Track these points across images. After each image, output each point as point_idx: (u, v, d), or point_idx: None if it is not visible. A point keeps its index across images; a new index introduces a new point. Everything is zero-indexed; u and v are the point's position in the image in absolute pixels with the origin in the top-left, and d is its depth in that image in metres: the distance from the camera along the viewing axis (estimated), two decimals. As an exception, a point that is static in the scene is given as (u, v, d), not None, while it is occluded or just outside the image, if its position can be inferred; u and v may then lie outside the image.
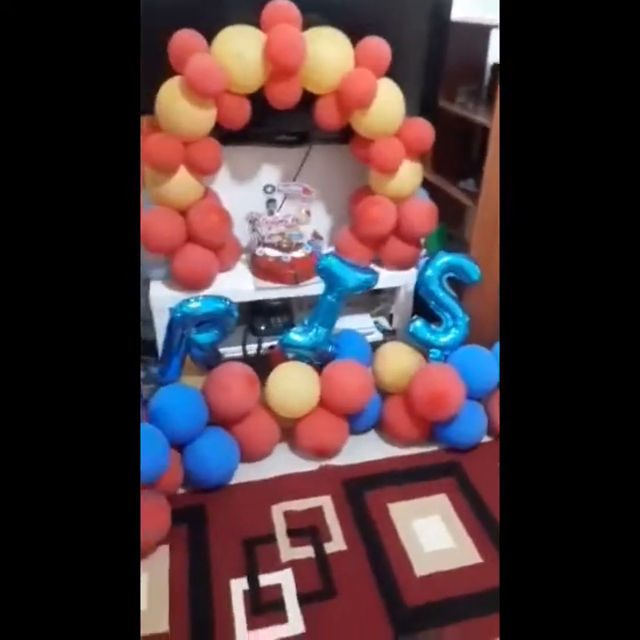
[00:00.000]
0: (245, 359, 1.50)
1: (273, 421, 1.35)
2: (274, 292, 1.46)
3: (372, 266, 1.54)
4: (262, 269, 1.46)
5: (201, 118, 1.22)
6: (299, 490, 1.31)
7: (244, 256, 1.54)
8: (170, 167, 1.25)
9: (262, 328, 1.55)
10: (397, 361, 1.44)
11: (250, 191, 1.53)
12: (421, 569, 1.14)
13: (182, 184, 1.30)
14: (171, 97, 1.19)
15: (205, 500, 1.28)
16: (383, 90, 1.29)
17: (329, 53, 1.23)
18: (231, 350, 1.50)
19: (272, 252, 1.50)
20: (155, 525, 1.11)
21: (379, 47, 1.27)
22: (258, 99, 1.27)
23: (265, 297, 1.47)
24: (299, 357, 1.40)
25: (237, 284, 1.45)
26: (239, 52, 1.17)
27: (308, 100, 1.32)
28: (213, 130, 1.30)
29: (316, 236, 1.52)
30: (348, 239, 1.50)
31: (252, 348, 1.51)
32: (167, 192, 1.29)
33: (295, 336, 1.37)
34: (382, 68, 1.28)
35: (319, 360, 1.40)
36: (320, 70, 1.24)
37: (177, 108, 1.19)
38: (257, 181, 1.55)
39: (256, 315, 1.57)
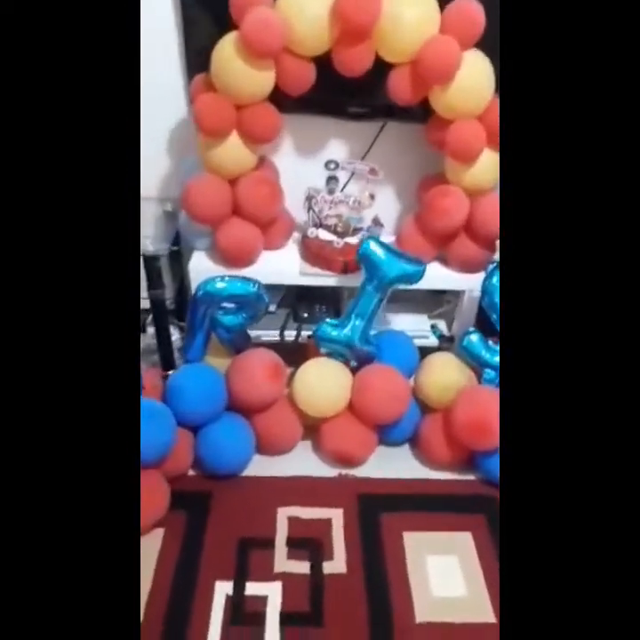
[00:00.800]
0: (282, 345, 1.41)
1: (296, 417, 1.25)
2: (319, 279, 1.34)
3: (436, 263, 1.38)
4: (312, 253, 1.34)
5: (257, 79, 1.11)
6: (311, 496, 1.22)
7: (296, 234, 1.43)
8: (220, 131, 1.16)
9: (305, 315, 1.44)
10: (444, 374, 1.28)
11: (312, 165, 1.40)
12: (423, 615, 1.01)
13: (233, 151, 1.20)
14: (226, 53, 1.08)
15: (213, 487, 1.22)
16: (470, 63, 1.10)
17: (409, 14, 1.06)
18: (268, 334, 1.41)
19: (325, 235, 1.37)
20: (148, 506, 1.07)
21: (471, 12, 1.07)
22: (326, 63, 1.13)
23: (309, 283, 1.35)
24: (334, 354, 1.29)
25: (282, 266, 1.35)
26: (303, 6, 1.03)
27: (385, 68, 1.16)
28: (273, 95, 1.19)
29: (376, 222, 1.37)
30: (412, 230, 1.34)
31: (290, 335, 1.42)
32: (217, 158, 1.20)
33: (329, 329, 1.25)
34: (472, 37, 1.09)
35: (356, 359, 1.28)
36: (396, 34, 1.07)
37: (232, 66, 1.08)
38: (320, 156, 1.42)
39: (301, 300, 1.47)
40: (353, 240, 1.36)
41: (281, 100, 1.22)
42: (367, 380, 1.22)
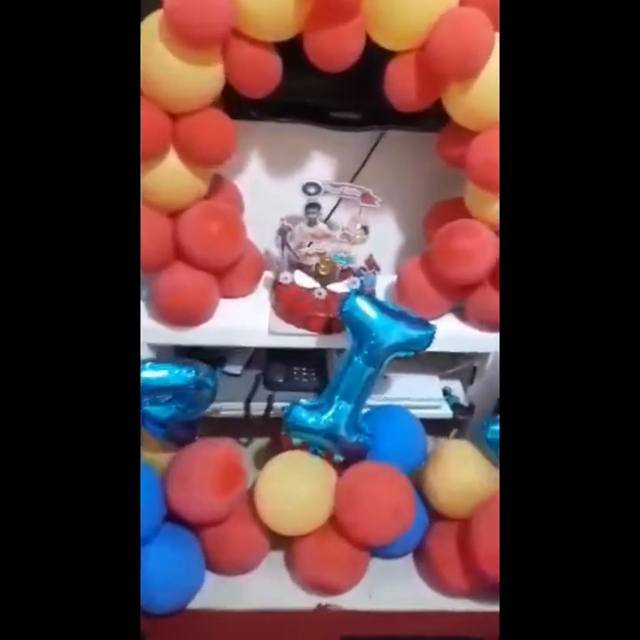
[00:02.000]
0: (247, 421, 1.09)
1: (259, 532, 0.93)
2: (294, 340, 1.01)
3: (450, 316, 1.04)
4: (285, 304, 1.01)
5: (196, 77, 0.78)
6: (280, 637, 0.91)
7: (269, 274, 1.10)
8: (150, 150, 0.83)
9: (279, 380, 1.12)
10: (460, 473, 0.95)
11: (287, 188, 1.07)
12: None
13: (170, 176, 0.87)
14: (151, 42, 0.75)
15: (149, 627, 0.91)
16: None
17: (414, -21, 0.72)
18: (229, 406, 1.09)
19: (303, 280, 1.04)
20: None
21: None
22: (298, 52, 0.80)
23: (280, 345, 1.03)
24: (310, 445, 0.96)
25: (245, 321, 1.02)
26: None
27: (378, 58, 0.83)
28: (227, 98, 0.86)
29: (370, 264, 1.04)
30: (418, 276, 1.00)
31: (259, 408, 1.09)
32: (151, 185, 0.87)
33: (304, 414, 0.93)
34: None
35: (342, 453, 0.96)
36: (397, 7, 0.74)
37: (159, 59, 0.75)
38: (297, 175, 1.09)
39: (274, 359, 1.14)
40: (339, 287, 1.03)
41: (242, 103, 0.89)
42: (356, 490, 0.89)
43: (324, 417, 0.91)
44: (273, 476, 0.91)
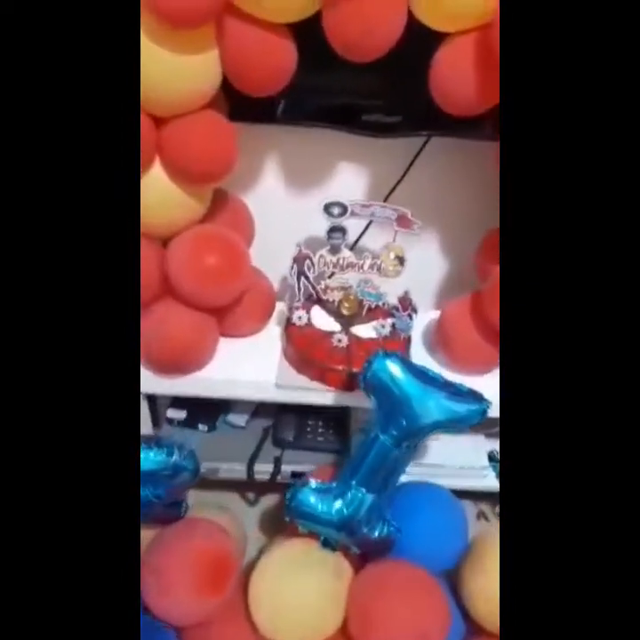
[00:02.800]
0: (251, 485, 0.91)
1: (251, 633, 0.75)
2: (307, 395, 0.82)
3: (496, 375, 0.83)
4: (297, 350, 0.82)
5: (185, 69, 0.60)
6: None
7: (282, 307, 0.92)
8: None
9: (289, 438, 0.93)
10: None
11: (305, 207, 0.88)
12: None
13: (156, 194, 0.69)
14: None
15: None
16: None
17: None
18: (229, 468, 0.91)
19: (322, 320, 0.85)
20: None
21: None
22: (319, 38, 0.61)
23: (290, 400, 0.84)
24: (319, 535, 0.77)
25: (249, 369, 0.83)
26: None
27: (423, 45, 0.63)
28: (230, 96, 0.68)
29: (405, 302, 0.83)
30: (466, 322, 0.79)
31: (264, 470, 0.91)
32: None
33: (312, 497, 0.73)
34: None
35: (358, 545, 0.76)
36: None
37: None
38: (319, 192, 0.90)
39: (285, 410, 0.95)
40: (365, 331, 0.84)
41: (252, 102, 0.71)
42: (373, 607, 0.69)
43: (337, 505, 0.72)
44: (271, 572, 0.72)
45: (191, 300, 0.75)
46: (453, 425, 0.69)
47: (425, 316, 0.90)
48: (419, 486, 0.84)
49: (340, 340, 0.80)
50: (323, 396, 0.81)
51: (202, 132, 0.66)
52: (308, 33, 0.61)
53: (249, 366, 0.84)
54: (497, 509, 1.00)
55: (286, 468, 0.91)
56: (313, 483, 0.74)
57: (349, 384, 0.79)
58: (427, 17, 0.58)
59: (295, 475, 0.90)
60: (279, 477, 0.90)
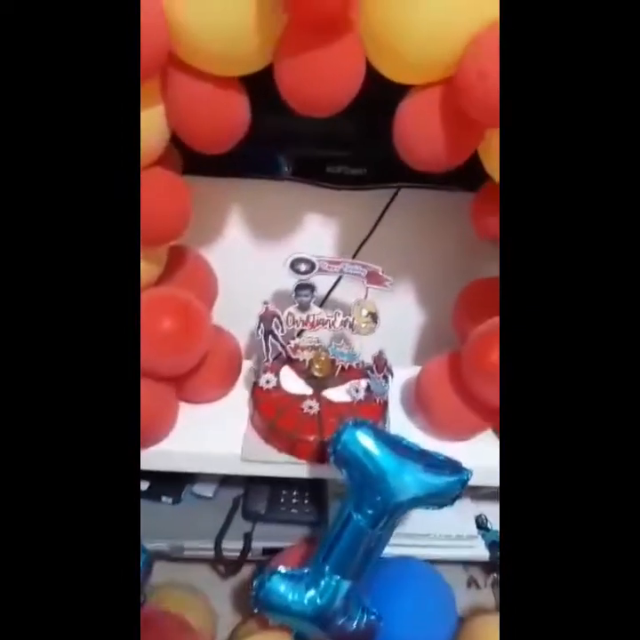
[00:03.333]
0: (219, 562, 0.83)
1: None
2: (276, 468, 0.76)
3: (487, 435, 0.77)
4: (265, 418, 0.76)
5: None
6: None
7: (249, 365, 0.86)
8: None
9: (260, 510, 0.85)
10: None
11: (270, 263, 0.84)
12: None
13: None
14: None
15: None
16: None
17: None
18: (195, 545, 0.83)
19: (292, 383, 0.79)
20: None
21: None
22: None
23: (257, 473, 0.77)
24: (291, 627, 0.69)
25: (211, 439, 0.76)
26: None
27: (386, 92, 0.59)
28: (176, 149, 0.64)
29: (380, 363, 0.78)
30: (445, 385, 0.73)
31: (233, 548, 0.83)
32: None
33: (281, 586, 0.66)
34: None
35: (335, 638, 0.68)
36: (409, 22, 0.49)
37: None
38: (284, 245, 0.86)
39: (254, 481, 0.88)
40: (338, 394, 0.78)
41: (206, 156, 0.66)
42: None
43: (310, 594, 0.64)
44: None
45: (146, 370, 0.69)
46: (433, 499, 0.62)
47: (403, 373, 0.85)
48: (399, 563, 0.77)
49: (310, 407, 0.74)
50: (294, 468, 0.74)
51: (150, 191, 0.61)
52: (263, 79, 0.57)
53: (213, 436, 0.77)
54: (490, 579, 0.92)
55: (258, 545, 0.83)
56: (282, 569, 0.67)
57: (322, 455, 0.73)
58: (386, 69, 0.54)
59: (268, 551, 0.83)
60: (250, 555, 0.83)
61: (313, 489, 0.87)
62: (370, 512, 0.61)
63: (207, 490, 0.88)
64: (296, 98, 0.54)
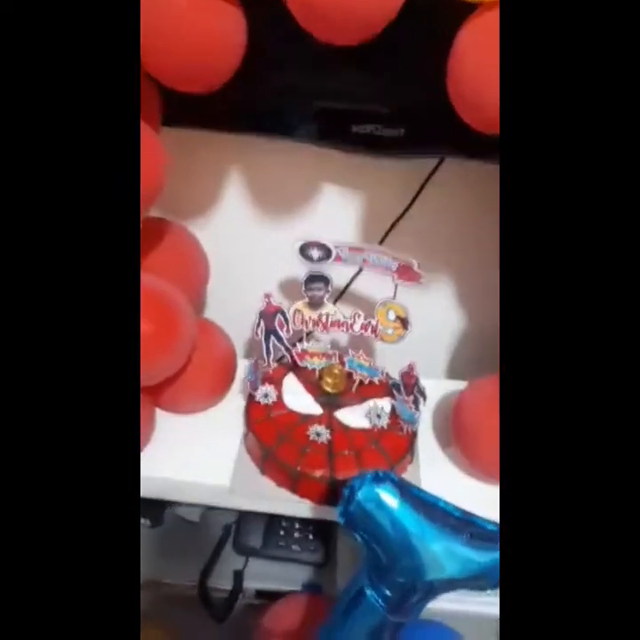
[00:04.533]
0: (203, 601, 0.69)
1: None
2: (271, 505, 0.60)
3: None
4: (261, 444, 0.60)
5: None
6: None
7: (245, 369, 0.70)
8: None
9: (255, 544, 0.71)
10: None
11: (275, 246, 0.67)
12: None
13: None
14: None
15: None
16: None
17: None
18: (176, 581, 0.70)
19: (296, 399, 0.64)
20: None
21: None
22: (285, 15, 0.40)
23: (250, 509, 0.62)
24: None
25: (196, 463, 0.62)
26: None
27: (435, 28, 0.41)
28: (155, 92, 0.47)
29: (409, 380, 0.62)
30: (493, 413, 0.57)
31: (219, 583, 0.69)
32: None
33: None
34: None
35: None
36: None
37: None
38: (294, 225, 0.69)
39: (247, 513, 0.74)
40: (354, 418, 0.62)
41: (203, 103, 0.50)
42: None
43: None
44: None
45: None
46: (475, 582, 0.47)
47: (436, 388, 0.69)
48: (421, 627, 0.63)
49: (318, 434, 0.59)
50: (296, 507, 0.60)
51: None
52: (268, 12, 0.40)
53: (197, 459, 0.62)
54: None
55: (251, 585, 0.69)
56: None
57: (331, 496, 0.58)
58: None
59: (262, 594, 0.69)
60: (241, 597, 0.69)
61: (315, 532, 0.72)
62: (388, 593, 0.46)
63: (193, 513, 0.74)
64: (310, 12, 0.37)
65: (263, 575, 0.70)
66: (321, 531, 0.72)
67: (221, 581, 0.69)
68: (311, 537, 0.71)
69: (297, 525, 0.72)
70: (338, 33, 0.37)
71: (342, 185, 0.66)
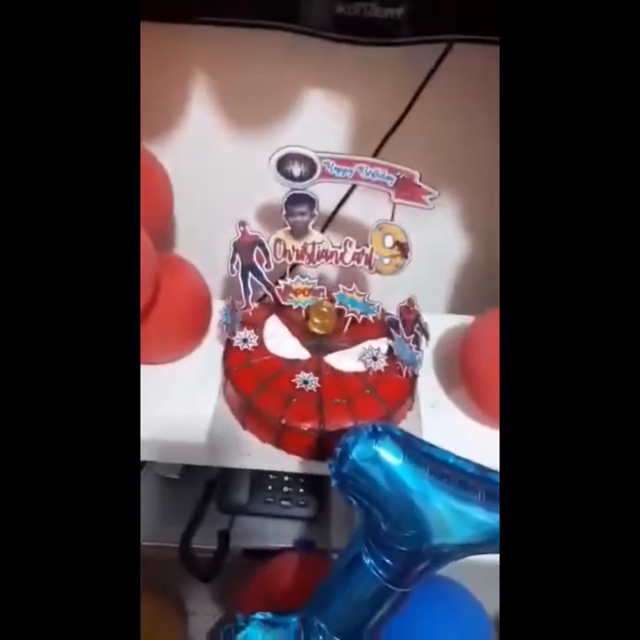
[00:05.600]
0: (187, 563, 0.64)
1: None
2: (257, 462, 0.54)
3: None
4: (240, 393, 0.52)
5: None
6: None
7: (221, 309, 0.61)
8: None
9: (241, 500, 0.65)
10: None
11: (249, 161, 0.57)
12: None
13: None
14: None
15: None
16: None
17: None
18: (156, 544, 0.64)
19: (279, 342, 0.56)
20: None
21: None
22: None
23: (231, 465, 0.55)
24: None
25: (170, 418, 0.54)
26: None
27: None
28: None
29: (409, 316, 0.54)
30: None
31: (203, 543, 0.64)
32: None
33: (260, 634, 0.46)
34: None
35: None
36: None
37: None
38: (268, 136, 0.58)
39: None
40: (346, 362, 0.54)
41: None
42: None
43: (296, 648, 0.45)
44: None
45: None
46: (489, 547, 0.40)
47: (438, 325, 0.61)
48: (431, 586, 0.58)
49: (306, 382, 0.51)
50: (280, 462, 0.53)
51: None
52: None
53: (172, 415, 0.54)
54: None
55: (237, 544, 0.64)
56: (260, 616, 0.47)
57: (321, 450, 0.51)
58: None
59: (250, 554, 0.64)
60: (227, 557, 0.64)
61: (305, 487, 0.66)
62: (389, 562, 0.40)
63: (173, 469, 0.68)
64: None
65: (251, 533, 0.64)
66: (312, 483, 0.66)
67: (206, 540, 0.64)
68: (301, 490, 0.65)
69: (286, 478, 0.66)
70: None
71: (327, 81, 0.55)
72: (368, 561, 0.41)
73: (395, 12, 0.48)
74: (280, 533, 0.63)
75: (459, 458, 0.40)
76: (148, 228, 0.50)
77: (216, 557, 0.63)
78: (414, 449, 0.39)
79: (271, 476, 0.66)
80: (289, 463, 0.52)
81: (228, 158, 0.59)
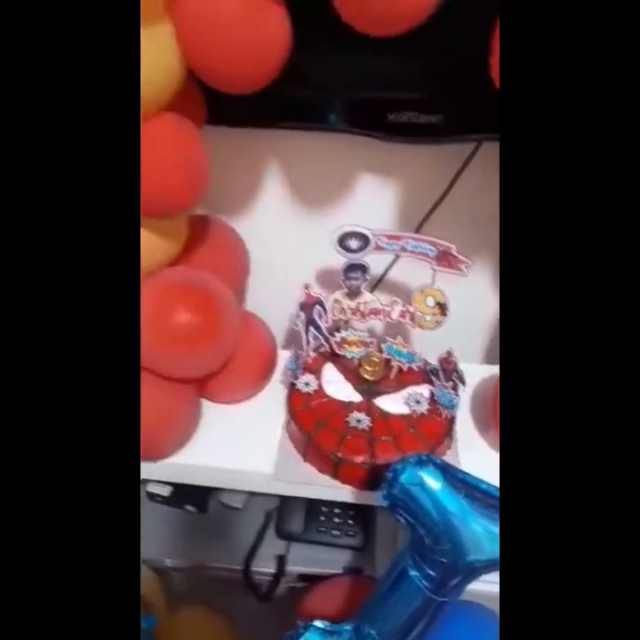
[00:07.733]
0: (249, 585, 0.71)
1: None
2: (316, 491, 0.62)
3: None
4: (302, 430, 0.61)
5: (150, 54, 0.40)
6: None
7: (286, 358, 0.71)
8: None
9: (296, 529, 0.73)
10: None
11: (313, 236, 0.68)
12: None
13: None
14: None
15: None
16: None
17: None
18: (220, 565, 0.72)
19: (336, 387, 0.65)
20: None
21: None
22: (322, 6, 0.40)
23: (293, 494, 0.63)
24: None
25: (239, 450, 0.64)
26: None
27: (471, 13, 0.41)
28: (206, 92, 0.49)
29: (448, 366, 0.62)
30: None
31: (264, 567, 0.71)
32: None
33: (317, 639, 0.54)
34: None
35: None
36: None
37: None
38: (330, 217, 0.70)
39: (288, 499, 0.75)
40: (394, 404, 0.63)
41: (236, 101, 0.51)
42: None
43: (350, 658, 0.52)
44: None
45: (157, 369, 0.56)
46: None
47: (473, 373, 0.69)
48: (458, 610, 0.63)
49: (359, 420, 0.60)
50: (337, 492, 0.61)
51: (151, 145, 0.46)
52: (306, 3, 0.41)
53: (241, 447, 0.64)
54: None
55: (294, 569, 0.71)
56: (319, 624, 0.54)
57: (372, 481, 0.59)
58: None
59: (304, 578, 0.71)
60: (283, 580, 0.71)
61: (358, 507, 0.74)
62: (432, 574, 0.47)
63: (237, 499, 0.77)
64: (356, 7, 0.37)
65: (305, 559, 0.71)
66: (360, 515, 0.73)
67: (264, 565, 0.72)
68: (350, 521, 0.73)
69: (336, 510, 0.73)
70: (382, 25, 0.37)
71: (378, 173, 0.66)
72: (413, 573, 0.48)
73: (435, 118, 0.59)
74: (332, 560, 0.70)
75: (489, 485, 0.48)
76: (232, 289, 0.61)
77: (274, 579, 0.70)
78: (452, 476, 0.47)
79: (323, 508, 0.74)
80: (343, 493, 0.60)
81: (294, 233, 0.71)
